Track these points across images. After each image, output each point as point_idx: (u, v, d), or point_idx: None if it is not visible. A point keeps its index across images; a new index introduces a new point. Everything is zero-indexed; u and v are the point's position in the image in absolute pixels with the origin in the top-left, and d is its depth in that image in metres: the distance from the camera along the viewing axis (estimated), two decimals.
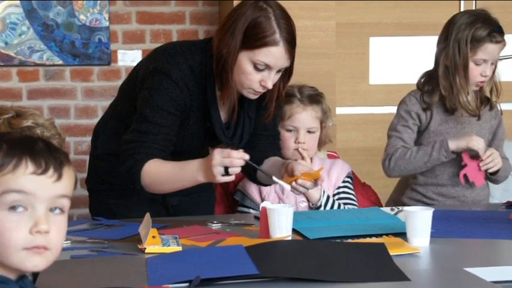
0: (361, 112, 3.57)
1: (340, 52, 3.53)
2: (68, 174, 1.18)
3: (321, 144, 2.50)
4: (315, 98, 2.45)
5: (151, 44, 3.78)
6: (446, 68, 2.46)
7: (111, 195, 2.30)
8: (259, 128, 2.28)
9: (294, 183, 2.02)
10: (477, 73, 2.44)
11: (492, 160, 2.40)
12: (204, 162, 1.99)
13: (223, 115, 2.21)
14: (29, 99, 3.77)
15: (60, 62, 3.76)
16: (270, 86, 2.07)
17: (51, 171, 1.16)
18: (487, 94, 2.53)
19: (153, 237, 1.81)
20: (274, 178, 2.05)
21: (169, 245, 1.80)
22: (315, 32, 3.42)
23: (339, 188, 2.48)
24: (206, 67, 2.12)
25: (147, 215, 1.86)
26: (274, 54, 2.03)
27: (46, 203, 1.15)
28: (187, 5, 3.90)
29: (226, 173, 1.94)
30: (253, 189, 2.45)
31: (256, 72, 2.05)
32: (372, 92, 3.59)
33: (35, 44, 3.72)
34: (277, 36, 2.02)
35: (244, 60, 2.04)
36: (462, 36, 2.43)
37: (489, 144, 2.54)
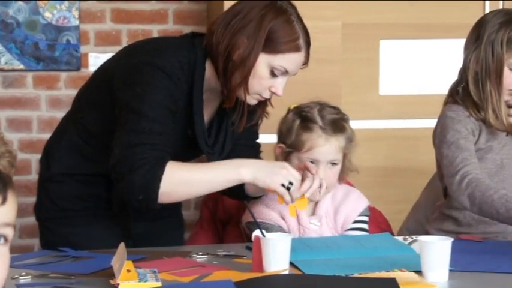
0: (370, 127, 3.59)
1: (347, 57, 3.55)
2: (12, 198, 1.19)
3: (342, 175, 2.42)
4: (339, 124, 2.36)
5: None
6: (476, 74, 2.46)
7: (67, 223, 2.28)
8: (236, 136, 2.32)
9: None
10: (511, 80, 2.45)
11: None
12: (267, 163, 2.16)
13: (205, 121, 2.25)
14: None
15: (21, 67, 3.77)
16: (281, 93, 2.17)
17: None
18: None
19: (128, 271, 1.81)
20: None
21: (146, 280, 1.80)
22: (317, 34, 3.39)
23: (347, 230, 2.40)
24: (196, 64, 2.16)
25: (121, 245, 1.86)
26: (296, 60, 2.15)
27: None
28: (171, 2, 3.92)
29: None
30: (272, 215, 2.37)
31: (270, 77, 2.14)
32: (382, 104, 3.61)
33: None
34: (301, 41, 2.14)
35: (262, 64, 2.13)
36: (496, 37, 2.42)
37: None
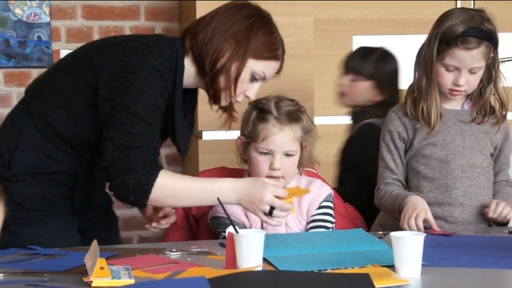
0: (343, 122, 3.61)
1: (319, 53, 3.57)
2: (1, 207, 1.18)
3: (302, 167, 2.46)
4: (294, 115, 2.40)
5: None
6: (419, 71, 2.51)
7: (30, 223, 2.24)
8: None
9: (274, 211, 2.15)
10: (448, 80, 2.46)
11: (500, 214, 2.44)
12: (246, 187, 2.15)
13: None
14: None
15: None
16: (254, 97, 2.28)
17: None
18: (493, 103, 2.53)
19: (101, 268, 1.81)
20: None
21: (120, 278, 1.81)
22: (290, 30, 3.45)
23: (313, 215, 2.43)
24: (177, 62, 2.20)
25: (94, 242, 1.86)
26: (274, 68, 2.27)
27: None
28: None
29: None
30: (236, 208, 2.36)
31: (248, 82, 2.23)
32: None
33: None
34: (280, 51, 2.27)
35: (245, 68, 2.21)
36: (432, 34, 2.47)
37: (493, 161, 2.58)
